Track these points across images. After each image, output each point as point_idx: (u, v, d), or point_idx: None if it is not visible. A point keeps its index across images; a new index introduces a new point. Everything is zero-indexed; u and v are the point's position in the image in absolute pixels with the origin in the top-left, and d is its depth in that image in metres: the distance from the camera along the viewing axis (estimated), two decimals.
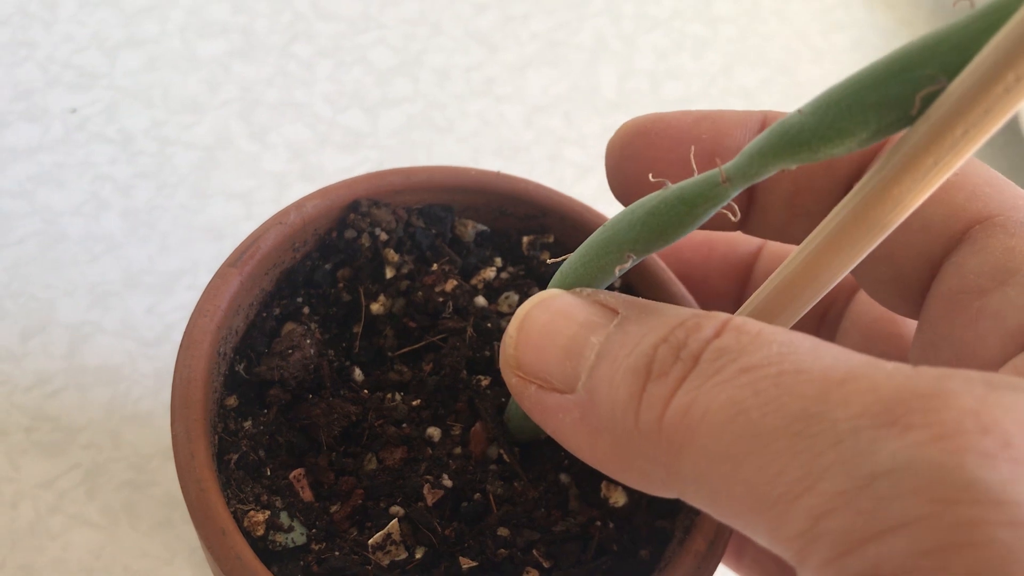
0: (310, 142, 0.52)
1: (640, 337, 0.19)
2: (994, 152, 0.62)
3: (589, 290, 0.22)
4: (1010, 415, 0.14)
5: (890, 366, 0.16)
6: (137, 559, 0.38)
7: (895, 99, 0.17)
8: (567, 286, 0.23)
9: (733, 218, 0.20)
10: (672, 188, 0.20)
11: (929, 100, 0.17)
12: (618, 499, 0.28)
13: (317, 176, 0.50)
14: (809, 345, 0.17)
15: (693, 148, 0.24)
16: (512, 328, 0.22)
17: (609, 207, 0.27)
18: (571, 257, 0.23)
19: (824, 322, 0.33)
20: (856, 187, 0.19)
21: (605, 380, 0.19)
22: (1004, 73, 0.16)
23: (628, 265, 0.21)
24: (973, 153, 0.18)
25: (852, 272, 0.26)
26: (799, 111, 0.18)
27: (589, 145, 0.56)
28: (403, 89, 0.55)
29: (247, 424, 0.27)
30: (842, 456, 0.15)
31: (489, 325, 0.30)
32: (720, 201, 0.19)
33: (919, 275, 0.23)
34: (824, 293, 0.20)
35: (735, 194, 0.19)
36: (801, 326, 0.33)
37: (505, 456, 0.28)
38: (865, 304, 0.32)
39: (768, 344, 0.17)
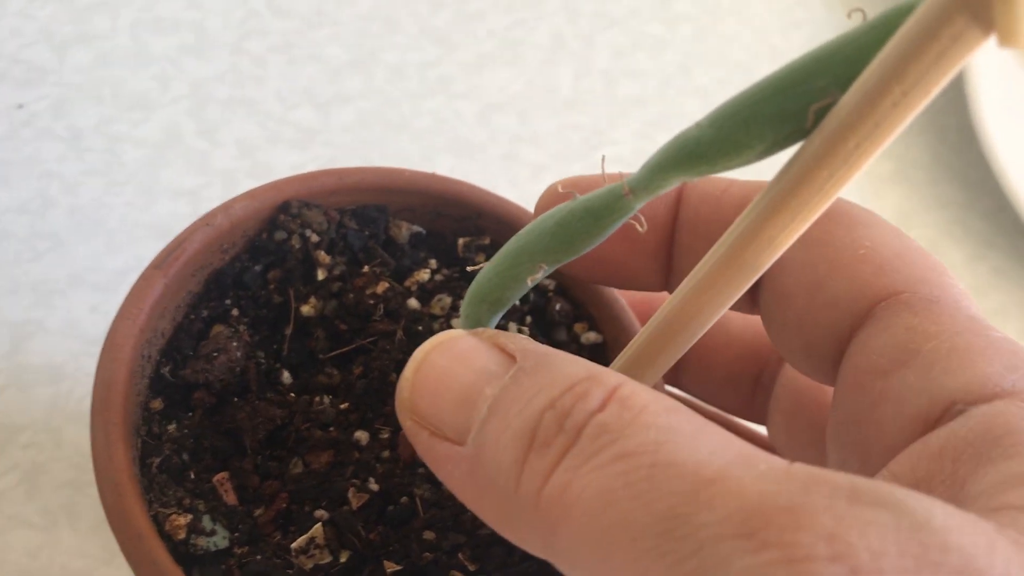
0: (260, 139, 0.51)
1: (531, 396, 0.19)
2: (948, 152, 0.62)
3: (491, 331, 0.21)
4: (864, 539, 0.14)
5: (763, 465, 0.16)
6: (75, 559, 0.38)
7: (790, 112, 0.18)
8: (482, 295, 0.23)
9: (640, 229, 0.20)
10: (579, 200, 0.20)
11: (823, 113, 0.17)
12: None
13: (265, 174, 0.50)
14: (690, 431, 0.17)
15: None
16: (409, 371, 0.21)
17: None
18: (486, 266, 0.23)
19: (759, 384, 0.33)
20: (752, 203, 0.19)
21: (493, 439, 0.19)
22: (891, 87, 0.16)
23: (540, 276, 0.21)
24: (878, 154, 0.17)
25: (771, 339, 0.26)
26: (697, 124, 0.18)
27: (544, 144, 0.56)
28: (356, 86, 0.55)
29: (171, 427, 0.27)
30: (701, 565, 0.15)
31: (420, 328, 0.30)
32: (625, 213, 0.20)
33: (829, 349, 0.23)
34: (709, 326, 0.20)
35: (639, 206, 0.19)
36: (736, 387, 0.33)
37: None
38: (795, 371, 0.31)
39: (647, 428, 0.17)
